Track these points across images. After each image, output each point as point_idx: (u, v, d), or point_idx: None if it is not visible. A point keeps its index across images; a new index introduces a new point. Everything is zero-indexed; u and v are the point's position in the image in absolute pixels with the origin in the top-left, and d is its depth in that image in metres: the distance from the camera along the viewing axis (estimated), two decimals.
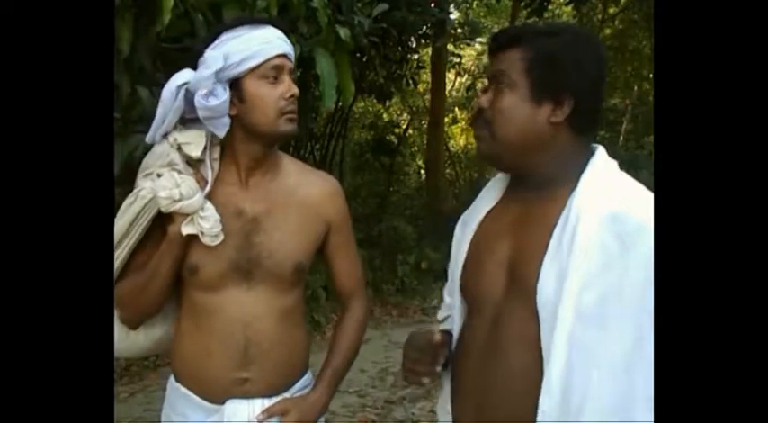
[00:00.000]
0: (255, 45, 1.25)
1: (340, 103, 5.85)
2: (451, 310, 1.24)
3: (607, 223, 0.97)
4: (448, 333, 1.23)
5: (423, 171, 10.33)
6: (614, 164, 1.08)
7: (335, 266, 1.47)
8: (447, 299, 1.32)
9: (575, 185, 1.03)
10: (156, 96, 1.62)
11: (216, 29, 1.33)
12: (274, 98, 1.28)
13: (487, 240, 1.14)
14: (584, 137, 1.09)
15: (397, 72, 6.95)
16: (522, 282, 1.04)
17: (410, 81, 7.32)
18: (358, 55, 5.35)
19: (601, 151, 1.09)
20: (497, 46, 1.09)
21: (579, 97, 1.04)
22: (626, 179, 1.06)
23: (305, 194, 1.39)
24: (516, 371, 1.04)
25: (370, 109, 10.48)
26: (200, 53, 1.29)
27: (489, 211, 1.18)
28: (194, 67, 1.29)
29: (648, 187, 1.01)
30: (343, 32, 2.02)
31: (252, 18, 1.48)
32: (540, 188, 1.08)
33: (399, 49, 6.49)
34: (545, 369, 0.98)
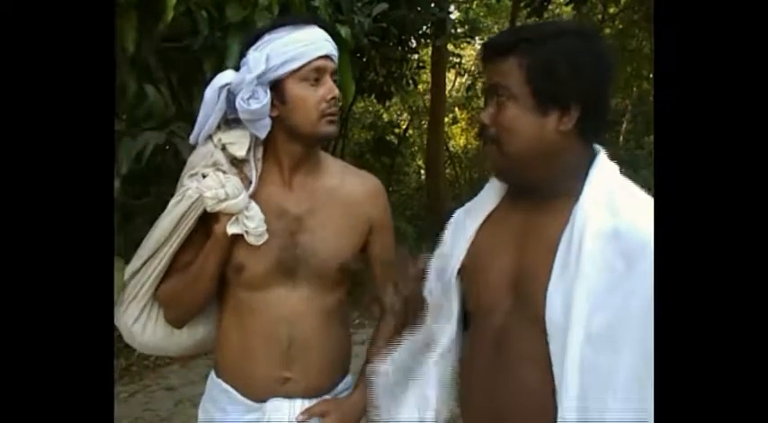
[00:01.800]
0: (297, 47, 1.25)
1: (340, 103, 5.83)
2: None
3: (611, 240, 0.95)
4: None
5: (423, 171, 10.32)
6: (615, 169, 1.05)
7: (377, 266, 1.47)
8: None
9: (577, 196, 1.00)
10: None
11: (260, 29, 1.33)
12: (315, 100, 1.28)
13: (489, 250, 1.11)
14: (592, 142, 1.05)
15: (397, 72, 6.94)
16: (528, 301, 1.02)
17: (410, 81, 7.30)
18: (358, 55, 5.34)
19: (602, 157, 1.05)
20: (491, 55, 1.04)
21: (586, 102, 1.00)
22: (628, 187, 1.03)
23: (348, 194, 1.39)
24: (526, 391, 1.02)
25: (370, 109, 10.46)
26: (243, 54, 1.29)
27: (490, 215, 1.15)
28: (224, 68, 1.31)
29: (648, 187, 0.99)
30: (344, 32, 2.03)
31: (297, 17, 1.47)
32: (543, 198, 1.05)
33: (399, 48, 6.48)
34: (558, 393, 0.96)
